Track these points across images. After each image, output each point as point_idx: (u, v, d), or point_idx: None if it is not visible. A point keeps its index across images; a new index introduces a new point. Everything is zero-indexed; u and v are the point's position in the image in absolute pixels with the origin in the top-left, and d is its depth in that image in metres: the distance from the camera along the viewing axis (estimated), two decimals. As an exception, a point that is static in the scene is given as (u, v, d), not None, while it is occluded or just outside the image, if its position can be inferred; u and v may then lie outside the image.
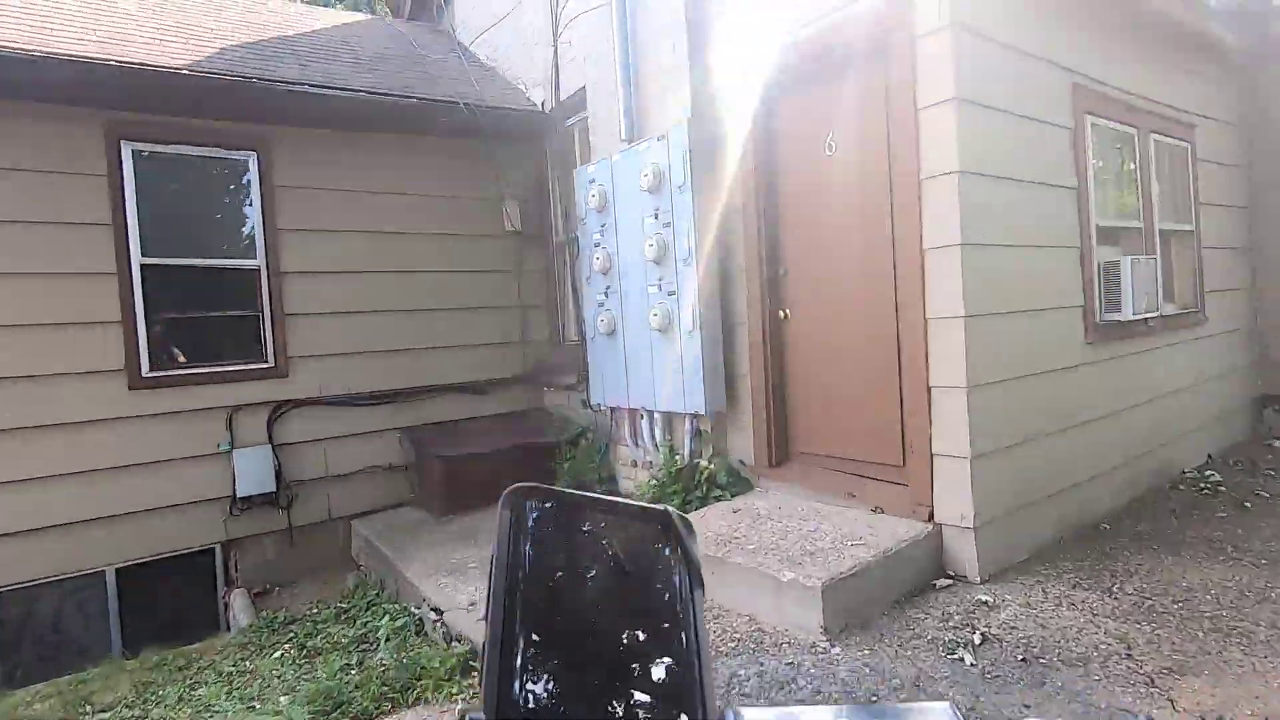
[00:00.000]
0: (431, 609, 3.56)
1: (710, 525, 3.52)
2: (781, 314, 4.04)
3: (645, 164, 4.29)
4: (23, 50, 3.73)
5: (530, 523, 0.44)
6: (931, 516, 3.18)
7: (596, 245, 4.84)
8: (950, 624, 2.70)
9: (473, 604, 3.47)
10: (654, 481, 4.31)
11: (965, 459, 3.04)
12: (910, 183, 3.19)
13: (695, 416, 4.32)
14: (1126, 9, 4.02)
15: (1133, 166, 4.30)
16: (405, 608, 3.78)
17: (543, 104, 5.76)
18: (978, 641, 2.53)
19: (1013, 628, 2.62)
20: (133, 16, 4.93)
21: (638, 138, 4.55)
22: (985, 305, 3.12)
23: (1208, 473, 4.42)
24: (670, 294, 4.25)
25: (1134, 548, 3.34)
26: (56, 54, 3.81)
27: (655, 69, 4.45)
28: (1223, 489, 4.14)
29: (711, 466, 4.17)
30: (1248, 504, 3.87)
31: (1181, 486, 4.24)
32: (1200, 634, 2.50)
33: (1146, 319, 4.08)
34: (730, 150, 4.12)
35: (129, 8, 5.10)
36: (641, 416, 4.69)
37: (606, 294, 4.81)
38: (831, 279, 3.76)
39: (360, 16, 7.94)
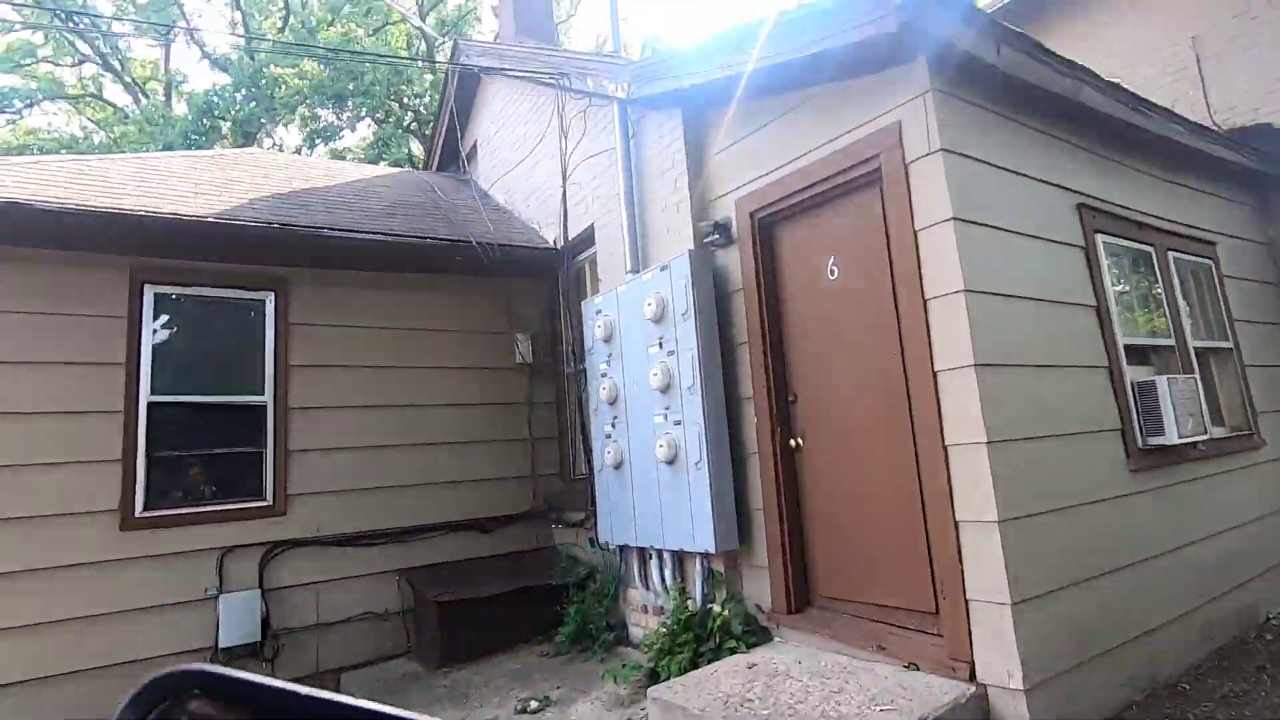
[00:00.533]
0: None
1: (721, 685, 3.10)
2: (794, 443, 3.81)
3: (649, 293, 4.28)
4: (58, 203, 3.98)
5: None
6: (973, 675, 2.75)
7: (603, 375, 4.75)
8: (1007, 818, 2.22)
9: (451, 781, 3.04)
10: (663, 630, 3.91)
11: (1005, 605, 2.67)
12: (915, 303, 3.06)
13: (706, 556, 3.98)
14: (1127, 137, 4.04)
15: (1156, 284, 4.14)
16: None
17: (555, 241, 5.95)
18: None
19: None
20: (175, 174, 5.33)
21: (642, 269, 4.59)
22: (1010, 429, 2.87)
23: (1293, 620, 3.86)
24: (676, 423, 4.08)
25: (1222, 715, 2.82)
26: (88, 207, 4.06)
27: (658, 205, 4.56)
28: (1320, 639, 3.58)
29: (725, 613, 3.78)
30: (1354, 658, 3.31)
31: (1268, 636, 3.68)
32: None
33: (1195, 443, 3.74)
34: (732, 279, 4.10)
35: (175, 168, 5.53)
36: (650, 556, 4.36)
37: (614, 425, 4.66)
38: (843, 405, 3.56)
39: (393, 170, 8.55)
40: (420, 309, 5.55)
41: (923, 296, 3.03)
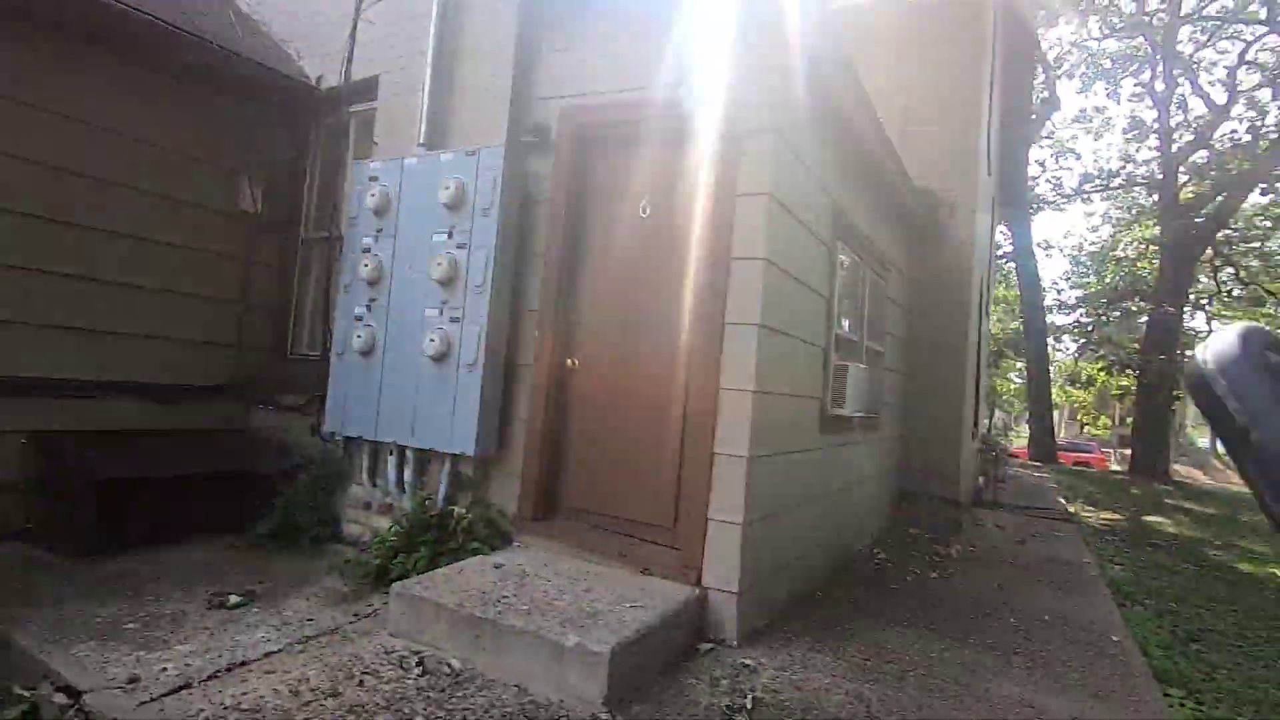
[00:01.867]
0: (59, 689, 2.53)
1: (471, 582, 3.14)
2: (570, 362, 3.93)
3: (448, 176, 3.93)
4: None
5: None
6: (699, 580, 3.25)
7: (367, 251, 4.24)
8: (720, 689, 2.73)
9: (134, 680, 2.56)
10: (397, 529, 3.75)
11: (739, 525, 3.20)
12: (721, 261, 3.39)
13: (458, 459, 3.91)
14: (869, 167, 4.94)
15: (857, 290, 5.20)
16: (10, 689, 2.62)
17: (318, 80, 5.02)
18: (750, 706, 2.59)
19: (775, 690, 2.75)
20: None
21: (439, 146, 4.17)
22: (768, 384, 3.40)
23: (875, 551, 5.34)
24: (454, 320, 3.87)
25: (846, 614, 3.81)
26: None
27: (473, 82, 4.17)
28: (889, 566, 5.02)
29: (470, 516, 3.78)
30: (908, 579, 4.74)
31: (858, 562, 5.04)
32: (912, 691, 2.89)
33: (854, 418, 4.87)
34: (540, 187, 3.99)
35: None
36: (390, 452, 4.10)
37: (370, 307, 4.21)
38: (627, 337, 3.78)
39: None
40: (119, 106, 4.22)
41: (730, 256, 3.37)
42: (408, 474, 4.03)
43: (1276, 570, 6.73)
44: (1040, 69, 17.36)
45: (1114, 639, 3.83)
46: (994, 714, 2.78)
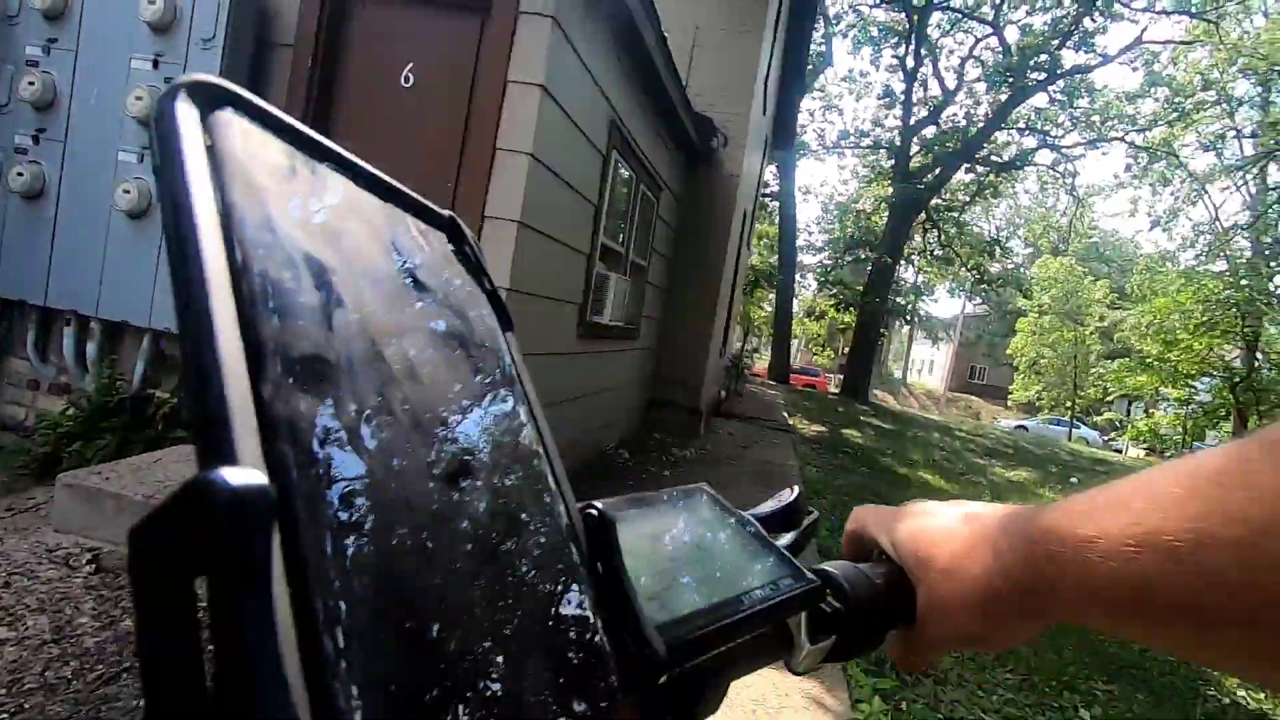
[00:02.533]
0: None
1: (171, 473, 2.79)
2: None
3: (154, -11, 3.18)
4: None
5: (240, 154, 0.18)
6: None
7: (35, 66, 3.32)
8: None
9: None
10: (74, 412, 3.18)
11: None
12: (484, 150, 3.22)
13: (161, 334, 3.38)
14: (647, 87, 4.98)
15: (628, 205, 5.33)
16: None
17: None
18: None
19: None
20: None
21: (145, -51, 3.34)
22: (526, 284, 3.38)
23: (621, 451, 5.77)
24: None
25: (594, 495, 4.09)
26: None
27: (195, -125, 3.35)
28: (631, 464, 5.47)
29: (174, 400, 3.32)
30: (644, 475, 5.21)
31: (604, 460, 5.41)
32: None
33: (613, 326, 5.09)
34: (282, 29, 3.41)
35: None
36: (67, 322, 3.40)
37: (38, 140, 3.35)
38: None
39: None
40: None
41: (494, 145, 3.22)
42: (91, 349, 3.39)
43: (923, 474, 8.58)
44: (822, 20, 18.73)
45: (796, 524, 4.61)
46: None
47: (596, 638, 0.28)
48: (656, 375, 7.45)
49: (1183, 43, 18.93)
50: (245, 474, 0.15)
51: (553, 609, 0.27)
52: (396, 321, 0.26)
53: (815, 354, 34.16)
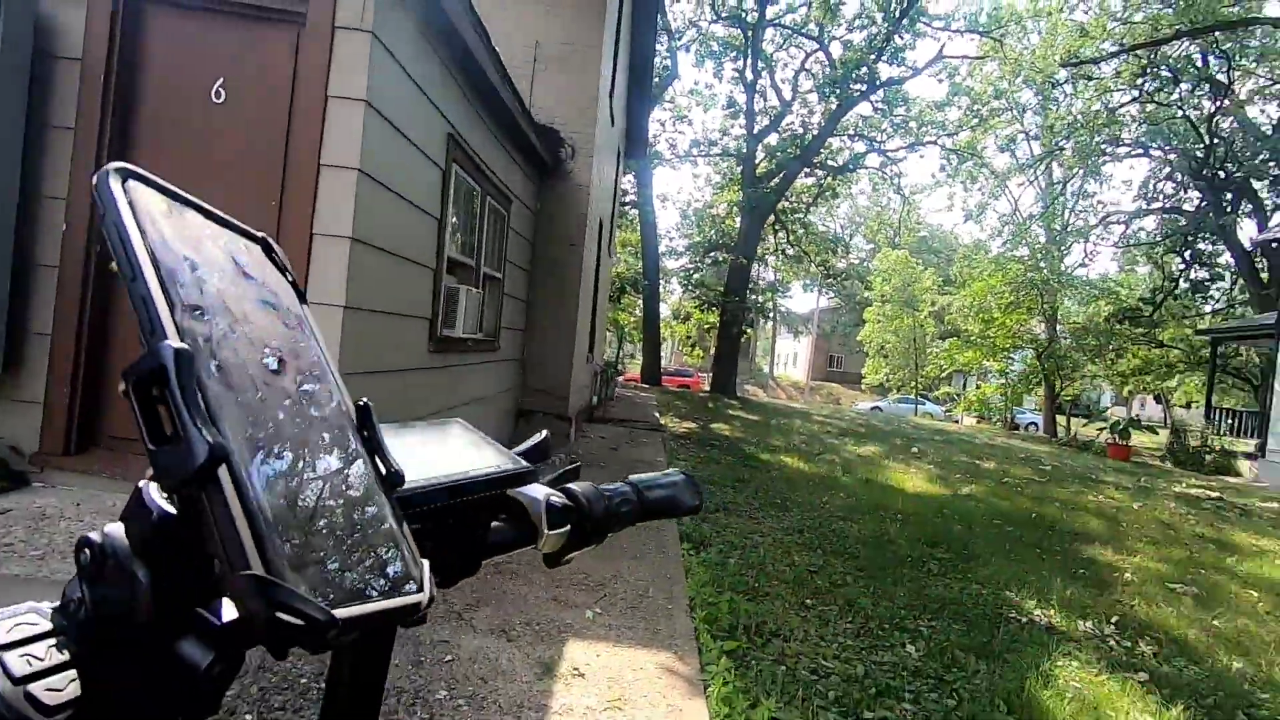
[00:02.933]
0: None
1: None
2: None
3: (-100, -3, 2.84)
4: None
5: (148, 210, 0.37)
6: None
7: None
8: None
9: None
10: None
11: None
12: (308, 167, 3.15)
13: (-63, 384, 3.00)
14: (488, 97, 5.04)
15: (474, 218, 5.34)
16: None
17: None
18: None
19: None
20: None
21: (-115, -48, 2.97)
22: (364, 300, 3.33)
23: (488, 464, 5.74)
24: (-80, 200, 2.88)
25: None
26: None
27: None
28: (497, 475, 5.46)
29: None
30: (512, 485, 5.22)
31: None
32: (488, 577, 3.25)
33: (468, 339, 5.08)
34: (67, 40, 3.16)
35: None
36: None
37: None
38: (196, 240, 3.29)
39: None
40: None
41: (319, 161, 3.16)
42: None
43: (784, 458, 9.17)
44: (665, 35, 19.52)
45: (660, 515, 4.82)
46: (554, 583, 3.30)
47: (370, 480, 0.44)
48: (523, 385, 7.47)
49: (976, 58, 21.54)
50: (175, 342, 0.33)
51: (346, 468, 0.43)
52: (238, 293, 0.42)
53: (686, 355, 35.32)
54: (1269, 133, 20.34)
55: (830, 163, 22.30)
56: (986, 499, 7.49)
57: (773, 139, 21.40)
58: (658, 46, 17.54)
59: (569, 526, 0.59)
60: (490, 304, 6.02)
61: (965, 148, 22.58)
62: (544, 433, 0.70)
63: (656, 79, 18.81)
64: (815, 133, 20.39)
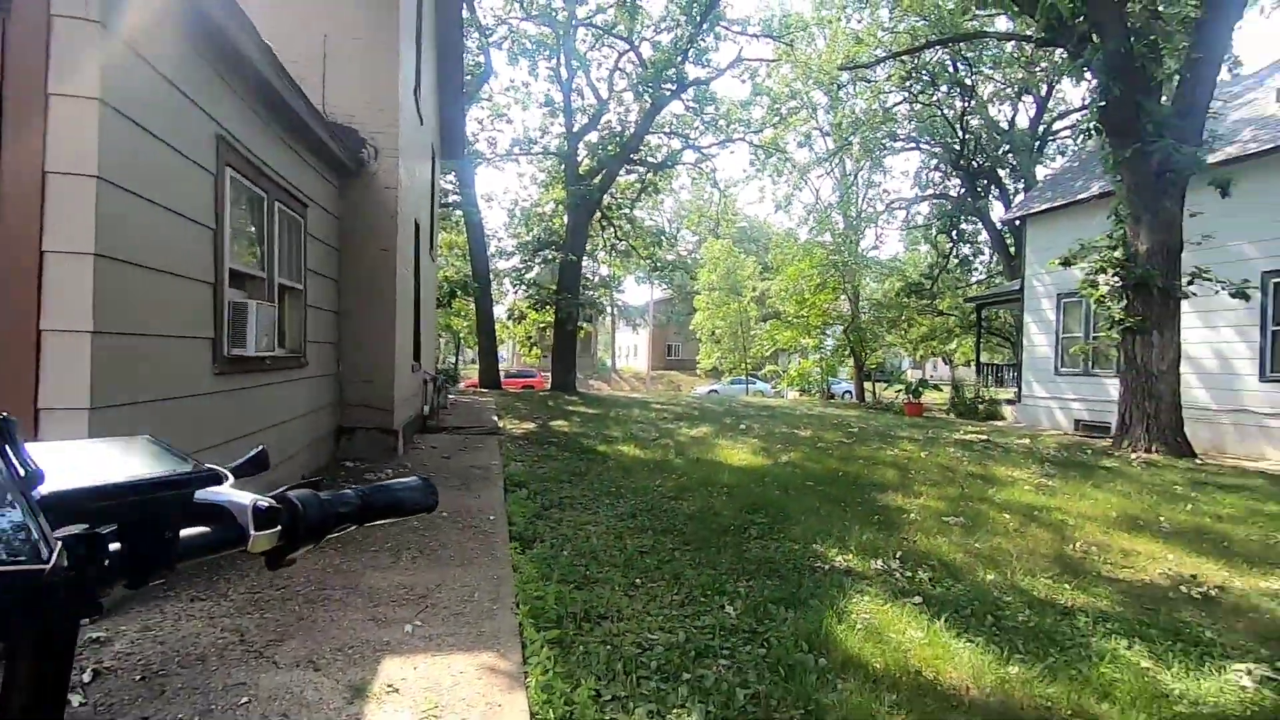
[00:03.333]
0: None
1: None
2: None
3: None
4: None
5: None
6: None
7: None
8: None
9: None
10: None
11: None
12: (30, 175, 2.75)
13: None
14: (267, 95, 4.66)
15: (261, 225, 4.93)
16: None
17: None
18: (88, 680, 2.33)
19: (129, 654, 2.53)
20: None
21: None
22: (119, 323, 2.97)
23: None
24: None
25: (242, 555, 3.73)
26: None
27: None
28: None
29: None
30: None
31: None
32: (297, 609, 3.05)
33: (265, 358, 4.69)
34: None
35: None
36: None
37: None
38: (-118, 265, 2.74)
39: None
40: None
41: (43, 168, 2.76)
42: None
43: (621, 447, 9.42)
44: (476, 32, 19.10)
45: (491, 518, 4.78)
46: (373, 603, 3.17)
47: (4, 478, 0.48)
48: (342, 402, 7.03)
49: (772, 61, 23.31)
50: None
51: None
52: None
53: (526, 355, 35.03)
54: (1005, 129, 24.10)
55: (650, 159, 23.06)
56: (802, 464, 8.22)
57: (593, 137, 21.72)
58: (468, 44, 17.12)
59: (279, 528, 0.63)
60: (291, 318, 5.59)
61: (770, 144, 24.38)
62: (260, 447, 0.76)
63: (470, 76, 18.37)
64: (633, 130, 20.99)
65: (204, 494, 0.63)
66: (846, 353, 25.85)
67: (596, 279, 30.19)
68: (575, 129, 21.12)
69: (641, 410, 15.33)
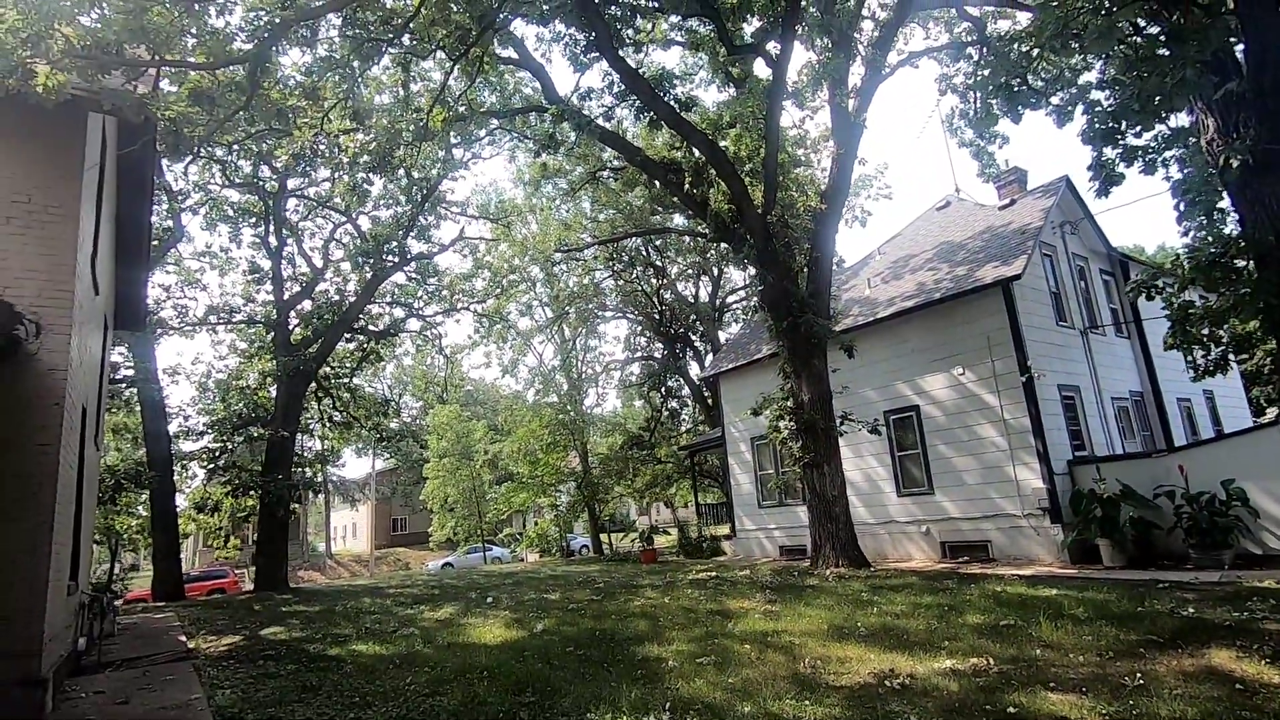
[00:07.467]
0: None
1: None
2: None
3: None
4: None
5: None
6: None
7: None
8: None
9: None
10: None
11: None
12: None
13: None
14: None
15: None
16: None
17: None
18: None
19: None
20: None
21: None
22: None
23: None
24: None
25: None
26: None
27: None
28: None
29: None
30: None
31: None
32: None
33: None
34: None
35: None
36: None
37: None
38: None
39: None
40: None
41: None
42: None
43: (356, 647, 8.30)
44: (165, 197, 17.48)
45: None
46: None
47: None
48: (-45, 653, 5.21)
49: (491, 240, 25.07)
50: None
51: None
52: None
53: (217, 550, 29.38)
54: (692, 301, 28.74)
55: (372, 327, 22.45)
56: (558, 629, 8.12)
57: (307, 305, 20.62)
58: (157, 205, 15.52)
59: None
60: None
61: (493, 313, 25.54)
62: None
63: (157, 240, 16.52)
64: (353, 299, 20.46)
65: None
66: (581, 507, 26.55)
67: (311, 454, 27.30)
68: (287, 297, 19.90)
69: (373, 598, 13.79)
